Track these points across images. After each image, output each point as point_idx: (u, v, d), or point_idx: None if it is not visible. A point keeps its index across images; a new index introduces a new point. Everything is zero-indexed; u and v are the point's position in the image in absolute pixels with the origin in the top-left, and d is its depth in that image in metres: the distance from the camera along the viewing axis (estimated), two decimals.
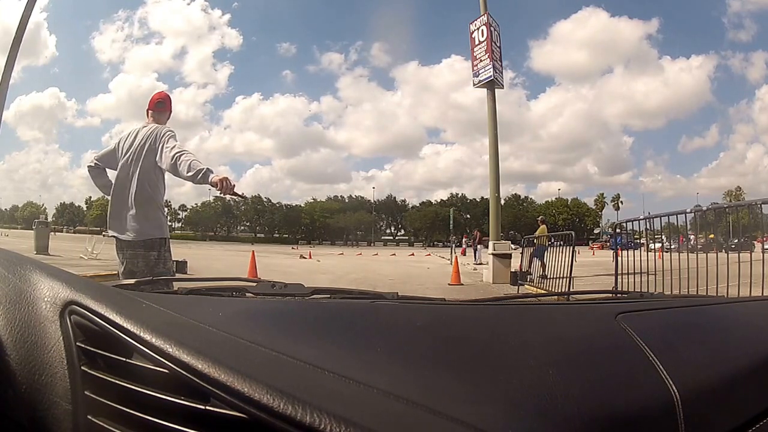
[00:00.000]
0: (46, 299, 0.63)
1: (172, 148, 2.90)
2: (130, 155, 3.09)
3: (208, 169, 2.76)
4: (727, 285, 4.30)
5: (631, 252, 6.26)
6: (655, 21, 65.22)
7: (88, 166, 3.33)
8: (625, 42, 67.02)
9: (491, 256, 10.99)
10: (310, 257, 21.66)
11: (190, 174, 2.77)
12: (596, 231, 61.06)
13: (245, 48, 73.43)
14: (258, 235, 68.21)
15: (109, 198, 3.18)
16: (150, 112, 3.29)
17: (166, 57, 68.17)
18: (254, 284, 1.11)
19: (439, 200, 70.72)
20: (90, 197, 66.53)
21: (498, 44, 13.05)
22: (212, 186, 2.73)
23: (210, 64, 68.97)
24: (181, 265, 9.67)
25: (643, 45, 67.17)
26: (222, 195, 2.77)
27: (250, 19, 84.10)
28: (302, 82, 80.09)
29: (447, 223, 30.21)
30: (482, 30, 12.88)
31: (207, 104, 72.62)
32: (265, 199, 70.76)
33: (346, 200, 72.31)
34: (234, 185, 2.77)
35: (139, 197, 3.05)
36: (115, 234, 3.10)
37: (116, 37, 65.04)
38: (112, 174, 3.23)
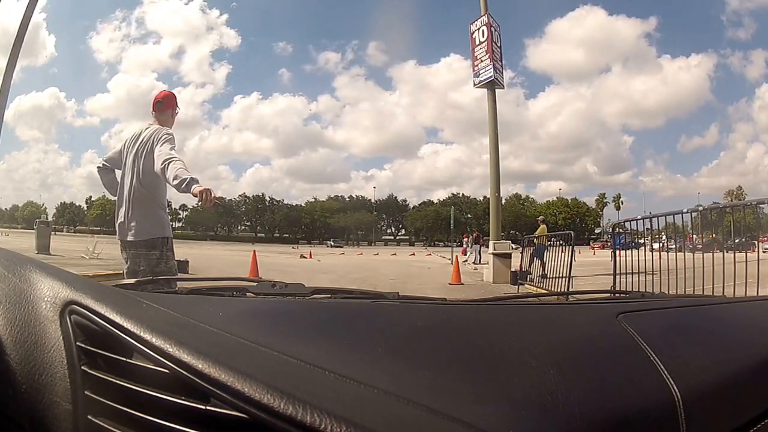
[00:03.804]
0: (46, 299, 0.63)
1: (163, 153, 2.89)
2: (132, 156, 3.14)
3: (192, 178, 2.73)
4: (724, 285, 4.30)
5: (630, 252, 6.26)
6: (653, 19, 65.07)
7: (97, 167, 3.40)
8: (623, 41, 66.72)
9: (491, 255, 11.01)
10: (311, 257, 21.67)
11: (175, 182, 2.75)
12: (597, 231, 61.02)
13: (244, 48, 73.15)
14: (258, 234, 68.24)
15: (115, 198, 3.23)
16: (153, 112, 3.32)
17: (165, 57, 67.94)
18: (255, 284, 1.11)
19: (439, 200, 70.89)
20: (90, 197, 66.54)
21: (498, 44, 13.07)
22: (194, 196, 2.70)
23: (208, 64, 68.69)
24: (183, 265, 9.68)
25: (642, 43, 66.99)
26: (202, 207, 2.71)
27: (248, 19, 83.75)
28: (301, 81, 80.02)
29: (448, 222, 30.18)
30: (483, 30, 12.90)
31: (206, 104, 72.29)
32: (267, 199, 70.92)
33: (347, 200, 72.39)
34: (215, 196, 2.72)
35: (141, 197, 3.08)
36: (119, 234, 3.13)
37: (115, 37, 64.80)
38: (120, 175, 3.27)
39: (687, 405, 0.58)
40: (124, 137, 3.35)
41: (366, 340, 0.66)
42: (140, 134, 3.17)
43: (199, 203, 2.70)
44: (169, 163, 2.81)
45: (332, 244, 56.90)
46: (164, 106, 3.34)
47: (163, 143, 2.98)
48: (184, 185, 2.72)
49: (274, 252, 25.75)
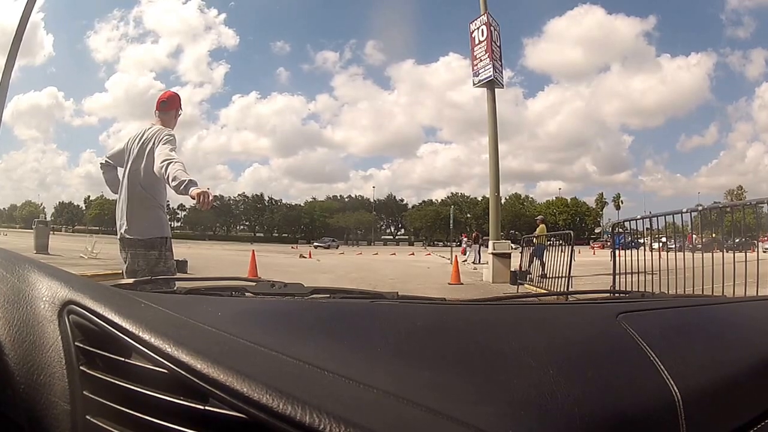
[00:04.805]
0: (44, 299, 0.63)
1: (162, 154, 2.90)
2: (133, 155, 3.14)
3: (190, 180, 2.73)
4: (723, 285, 4.30)
5: (630, 251, 6.25)
6: (652, 18, 65.12)
7: (101, 163, 3.41)
8: (622, 40, 66.90)
9: (491, 255, 11.01)
10: (310, 257, 21.69)
11: (174, 184, 2.75)
12: (597, 230, 60.91)
13: (242, 47, 73.51)
14: (257, 234, 68.17)
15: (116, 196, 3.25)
16: (156, 112, 3.32)
17: (163, 56, 68.03)
18: (254, 284, 1.10)
19: (438, 199, 70.88)
20: (89, 196, 66.53)
21: (498, 44, 13.09)
22: (191, 198, 2.69)
23: (206, 63, 68.83)
24: (182, 265, 9.66)
25: (641, 42, 67.05)
26: (200, 209, 2.71)
27: (246, 18, 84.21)
28: (299, 81, 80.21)
29: (447, 222, 30.17)
30: (482, 29, 12.92)
31: (204, 103, 72.16)
32: (266, 198, 70.87)
33: (346, 200, 72.32)
34: (212, 198, 2.72)
35: (140, 197, 3.08)
36: (118, 233, 3.14)
37: (113, 36, 64.89)
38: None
39: (687, 405, 0.57)
40: (123, 136, 3.36)
41: (365, 340, 0.65)
42: (142, 134, 3.17)
43: (197, 205, 2.70)
44: (168, 165, 2.82)
45: (318, 244, 46.03)
46: (168, 107, 3.34)
47: (164, 144, 2.98)
48: (182, 187, 2.72)
49: (273, 252, 25.72)
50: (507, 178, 71.96)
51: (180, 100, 3.46)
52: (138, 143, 3.14)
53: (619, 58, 72.91)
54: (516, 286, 9.06)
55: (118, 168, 3.32)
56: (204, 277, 1.49)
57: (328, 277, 11.42)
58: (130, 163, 3.15)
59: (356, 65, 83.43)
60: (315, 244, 46.88)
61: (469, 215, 62.62)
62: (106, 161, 3.37)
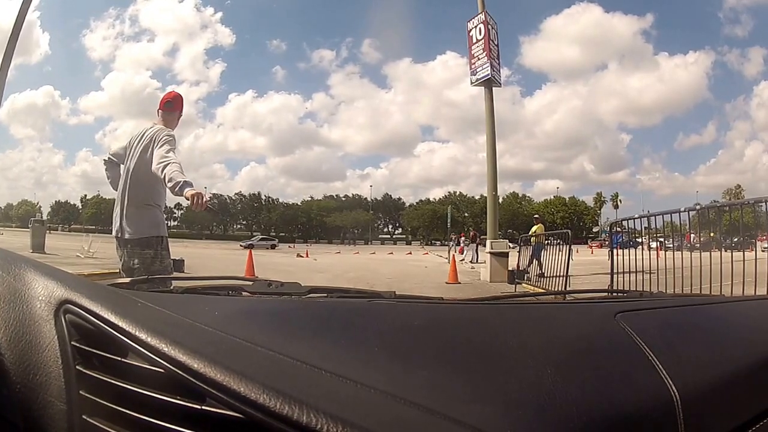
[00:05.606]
0: (40, 298, 0.63)
1: (160, 155, 2.91)
2: (133, 154, 3.15)
3: (185, 182, 2.74)
4: (721, 284, 4.30)
5: (628, 250, 6.25)
6: (650, 16, 65.26)
7: (104, 160, 3.43)
8: (620, 38, 67.24)
9: (489, 254, 11.01)
10: (307, 256, 21.68)
11: (170, 185, 2.77)
12: (595, 229, 60.96)
13: (238, 45, 73.54)
14: (254, 233, 68.06)
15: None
16: (160, 111, 3.31)
17: (159, 55, 68.17)
18: (250, 283, 1.10)
19: (436, 198, 70.98)
20: (85, 195, 66.56)
21: (496, 42, 13.09)
22: (186, 199, 2.71)
23: (203, 62, 68.94)
24: (178, 264, 9.64)
25: (639, 41, 67.26)
26: (194, 210, 2.73)
27: (242, 17, 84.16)
28: (296, 79, 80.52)
29: (445, 221, 30.19)
30: (480, 28, 12.91)
31: (200, 102, 72.17)
32: (263, 197, 70.81)
33: (343, 199, 72.32)
34: (206, 200, 2.74)
35: (138, 196, 3.09)
36: (115, 231, 3.14)
37: (109, 35, 65.07)
38: None
39: (685, 404, 0.57)
40: (119, 135, 3.38)
41: (362, 340, 0.65)
42: (144, 133, 3.18)
43: (192, 206, 2.71)
44: (165, 166, 2.83)
45: (241, 245, 39.48)
46: (173, 107, 3.34)
47: (163, 144, 2.98)
48: (177, 188, 2.73)
49: (271, 251, 25.69)
50: (505, 176, 72.45)
51: (183, 101, 3.47)
52: (139, 142, 3.15)
53: (616, 57, 73.38)
54: (514, 286, 9.07)
55: (121, 165, 3.32)
56: (201, 277, 1.49)
57: (325, 276, 11.42)
58: (130, 161, 3.16)
59: (353, 64, 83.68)
60: (240, 243, 42.00)
61: (466, 214, 62.65)
62: (109, 158, 3.39)
